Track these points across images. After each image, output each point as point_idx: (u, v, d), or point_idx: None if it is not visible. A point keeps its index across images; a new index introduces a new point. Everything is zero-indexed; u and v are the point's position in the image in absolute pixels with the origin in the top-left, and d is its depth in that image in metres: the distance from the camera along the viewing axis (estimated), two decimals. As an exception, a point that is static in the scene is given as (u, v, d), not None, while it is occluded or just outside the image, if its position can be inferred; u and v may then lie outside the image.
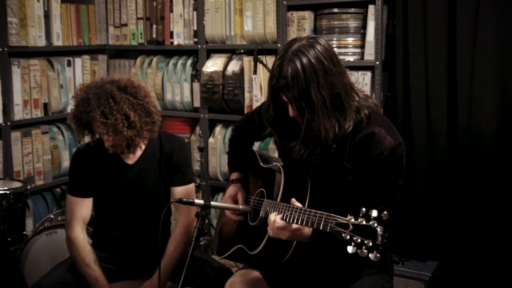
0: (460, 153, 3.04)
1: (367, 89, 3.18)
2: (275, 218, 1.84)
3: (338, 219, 1.65)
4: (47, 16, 3.68)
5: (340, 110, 1.82)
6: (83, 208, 2.43)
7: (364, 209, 1.60)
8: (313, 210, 1.76)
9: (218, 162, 3.71)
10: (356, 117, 1.87)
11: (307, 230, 1.86)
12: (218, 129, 3.75)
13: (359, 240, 1.57)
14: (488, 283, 3.03)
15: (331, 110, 1.80)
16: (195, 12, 3.73)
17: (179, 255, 2.41)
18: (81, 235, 2.40)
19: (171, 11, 3.83)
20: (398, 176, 1.87)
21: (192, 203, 2.00)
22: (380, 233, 1.54)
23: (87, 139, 2.43)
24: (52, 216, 3.06)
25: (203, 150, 3.38)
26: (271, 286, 2.07)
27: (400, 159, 1.87)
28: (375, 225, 1.55)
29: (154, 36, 3.93)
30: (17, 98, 3.52)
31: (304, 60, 1.78)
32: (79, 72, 3.96)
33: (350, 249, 1.58)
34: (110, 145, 2.31)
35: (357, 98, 1.89)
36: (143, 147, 2.44)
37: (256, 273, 2.08)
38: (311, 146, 1.87)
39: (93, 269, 2.35)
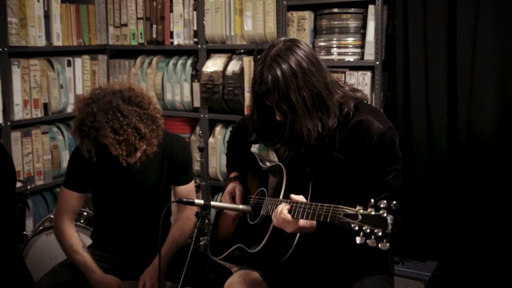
0: (460, 153, 3.04)
1: (367, 89, 3.18)
2: (282, 209, 1.85)
3: (347, 210, 1.65)
4: (47, 16, 3.68)
5: (322, 109, 1.85)
6: (75, 201, 2.46)
7: (373, 200, 1.59)
8: (319, 203, 1.77)
9: (218, 162, 3.71)
10: (340, 113, 1.88)
11: (312, 223, 1.86)
12: (218, 129, 3.75)
13: (368, 230, 1.55)
14: (488, 283, 3.03)
15: (313, 110, 1.83)
16: (195, 12, 3.73)
17: (182, 242, 2.46)
18: (69, 224, 2.44)
19: (171, 11, 3.83)
20: (393, 161, 1.87)
21: (192, 203, 2.00)
22: (390, 222, 1.53)
23: None
24: (52, 216, 3.06)
25: (203, 150, 3.38)
26: (270, 286, 2.07)
27: (392, 144, 1.86)
28: (385, 214, 1.54)
29: (154, 36, 3.93)
30: (17, 98, 3.52)
31: (283, 64, 1.81)
32: (79, 72, 3.96)
33: (358, 239, 1.56)
34: (116, 153, 2.30)
35: (340, 93, 1.90)
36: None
37: (255, 274, 2.08)
38: (295, 147, 1.89)
39: (81, 254, 2.38)
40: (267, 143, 2.03)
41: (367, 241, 1.55)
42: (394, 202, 1.55)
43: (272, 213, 1.94)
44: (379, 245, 1.54)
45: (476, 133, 2.97)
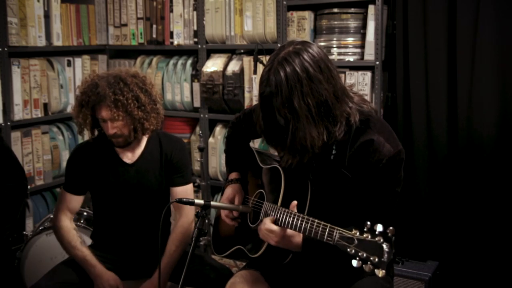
0: (460, 153, 3.04)
1: (367, 89, 3.18)
2: (265, 221, 1.88)
3: (343, 233, 1.64)
4: (47, 16, 3.68)
5: (328, 117, 1.80)
6: (74, 203, 2.49)
7: (369, 223, 1.59)
8: (316, 220, 1.75)
9: (218, 162, 3.71)
10: (347, 123, 1.85)
11: (297, 239, 1.86)
12: (218, 129, 3.75)
13: (364, 255, 1.56)
14: (488, 283, 3.03)
15: (318, 118, 1.78)
16: (195, 12, 3.73)
17: (179, 254, 2.43)
18: (67, 222, 2.46)
19: (171, 11, 3.83)
20: (396, 184, 1.87)
21: (192, 203, 2.00)
22: (386, 250, 1.54)
23: (86, 136, 2.43)
24: (52, 216, 3.06)
25: (203, 150, 3.38)
26: (272, 286, 2.07)
27: (399, 166, 1.85)
28: (381, 241, 1.55)
29: (154, 36, 3.93)
30: (17, 98, 3.52)
31: (288, 68, 1.76)
32: (79, 72, 3.96)
33: (355, 263, 1.57)
34: (113, 133, 2.31)
35: (350, 104, 1.86)
36: (143, 146, 2.46)
37: (256, 274, 2.07)
38: (298, 155, 1.84)
39: (80, 250, 2.40)
40: (272, 146, 1.99)
41: (363, 265, 1.56)
42: (391, 228, 1.55)
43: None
44: (375, 271, 1.55)
45: (476, 133, 2.97)
